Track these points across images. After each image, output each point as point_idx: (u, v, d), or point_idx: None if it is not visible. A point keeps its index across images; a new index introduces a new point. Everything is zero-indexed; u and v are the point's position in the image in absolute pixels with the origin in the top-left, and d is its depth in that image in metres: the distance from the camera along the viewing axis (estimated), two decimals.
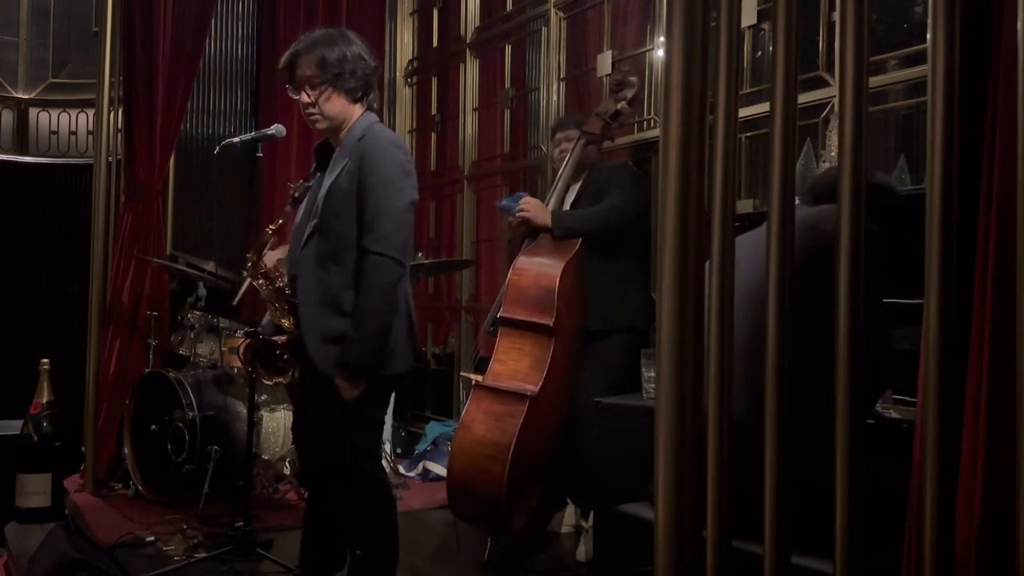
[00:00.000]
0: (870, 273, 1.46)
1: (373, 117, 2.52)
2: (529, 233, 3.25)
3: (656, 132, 3.69)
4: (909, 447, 1.50)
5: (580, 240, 3.13)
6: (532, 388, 2.94)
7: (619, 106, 3.29)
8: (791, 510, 1.44)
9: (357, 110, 2.50)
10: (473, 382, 3.07)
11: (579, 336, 3.15)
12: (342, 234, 2.36)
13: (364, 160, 2.36)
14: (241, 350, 2.55)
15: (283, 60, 2.50)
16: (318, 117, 2.46)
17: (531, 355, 3.00)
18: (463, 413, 3.04)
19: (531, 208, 3.18)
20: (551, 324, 2.98)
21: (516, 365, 3.01)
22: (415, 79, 5.65)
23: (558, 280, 3.00)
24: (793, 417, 1.45)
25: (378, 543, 2.49)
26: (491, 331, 3.25)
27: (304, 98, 2.44)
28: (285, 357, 2.50)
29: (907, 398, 2.04)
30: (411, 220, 2.44)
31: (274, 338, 2.49)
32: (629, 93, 3.32)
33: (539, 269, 3.07)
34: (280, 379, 2.51)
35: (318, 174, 2.55)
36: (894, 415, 2.06)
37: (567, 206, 3.32)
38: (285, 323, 2.46)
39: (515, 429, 2.87)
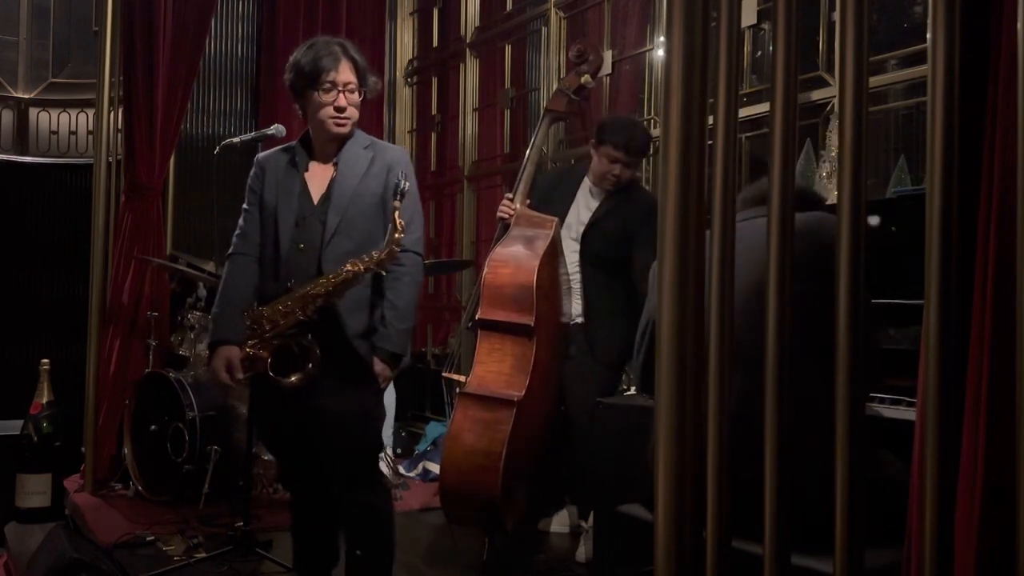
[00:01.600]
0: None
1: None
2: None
3: (656, 132, 3.69)
4: (909, 447, 1.50)
5: (554, 226, 3.09)
6: (517, 392, 2.89)
7: (583, 80, 3.26)
8: (791, 509, 1.44)
9: None
10: (457, 389, 3.03)
11: (558, 329, 3.11)
12: (370, 234, 2.46)
13: (395, 168, 2.49)
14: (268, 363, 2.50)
15: (331, 61, 2.45)
16: (348, 122, 2.49)
17: (513, 355, 2.95)
18: (450, 422, 2.98)
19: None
20: (532, 324, 2.93)
21: (498, 367, 2.96)
22: (415, 79, 5.66)
23: (535, 275, 2.95)
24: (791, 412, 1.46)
25: (382, 539, 2.53)
26: (469, 328, 3.21)
27: (342, 101, 2.46)
28: (298, 353, 2.46)
29: (907, 398, 2.04)
30: None
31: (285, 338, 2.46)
32: (591, 67, 3.29)
33: (515, 264, 3.01)
34: (300, 375, 2.45)
35: (293, 173, 2.53)
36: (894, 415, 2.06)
37: (583, 217, 3.23)
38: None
39: (505, 436, 2.83)
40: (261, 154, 2.64)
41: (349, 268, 2.39)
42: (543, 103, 4.44)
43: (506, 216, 3.22)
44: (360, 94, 2.50)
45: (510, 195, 3.31)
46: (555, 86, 4.35)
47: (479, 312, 3.04)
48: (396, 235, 2.36)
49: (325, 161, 2.54)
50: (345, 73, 2.46)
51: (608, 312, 3.16)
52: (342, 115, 2.47)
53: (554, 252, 3.07)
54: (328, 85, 2.45)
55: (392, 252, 2.39)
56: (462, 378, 3.03)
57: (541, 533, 3.38)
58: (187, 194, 5.13)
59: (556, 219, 3.13)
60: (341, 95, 2.46)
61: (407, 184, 2.39)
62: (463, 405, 2.94)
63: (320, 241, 2.45)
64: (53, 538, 3.10)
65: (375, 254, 2.39)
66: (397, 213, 2.36)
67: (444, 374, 3.34)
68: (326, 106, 2.46)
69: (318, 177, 2.53)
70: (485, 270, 3.07)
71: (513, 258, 3.04)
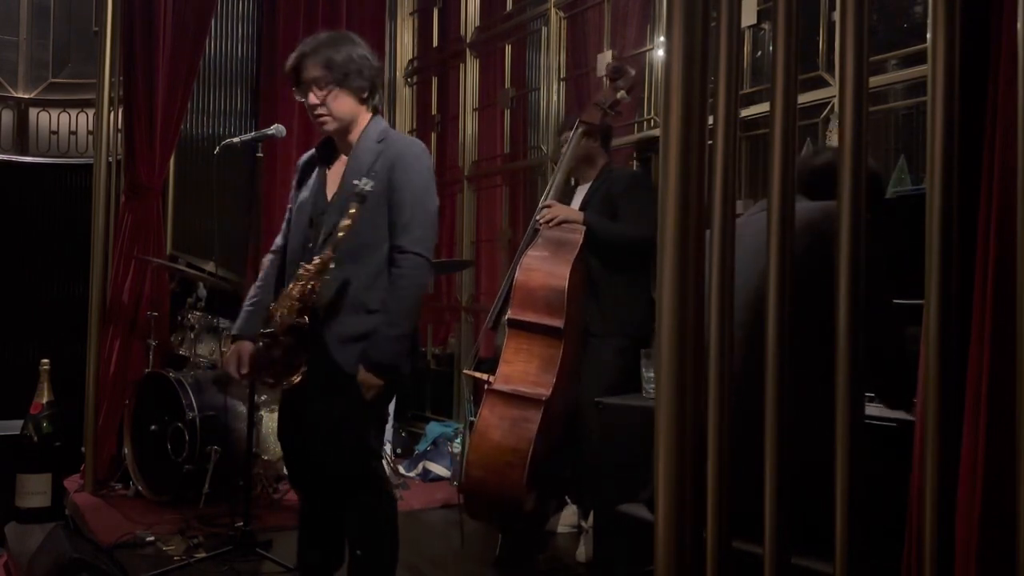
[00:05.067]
0: (869, 266, 1.44)
1: (383, 121, 2.55)
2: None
3: (656, 132, 3.69)
4: (909, 447, 1.49)
5: (583, 236, 3.12)
6: (544, 391, 2.93)
7: (618, 95, 3.28)
8: (791, 509, 1.44)
9: (364, 111, 2.51)
10: (486, 387, 3.05)
11: (581, 335, 3.15)
12: (369, 235, 2.39)
13: (399, 165, 2.41)
14: (247, 361, 2.51)
15: (289, 63, 2.48)
16: (327, 118, 2.46)
17: (540, 356, 2.99)
18: (477, 419, 3.00)
19: (557, 210, 3.20)
20: (562, 327, 2.97)
21: (525, 367, 2.99)
22: (415, 79, 5.66)
23: (568, 281, 2.99)
24: (793, 415, 1.45)
25: (381, 542, 2.51)
26: (492, 327, 3.23)
27: (312, 99, 2.44)
28: (287, 356, 2.46)
29: None
30: (437, 224, 2.53)
31: (272, 338, 2.46)
32: (628, 82, 3.31)
33: (548, 268, 3.05)
34: (293, 378, 2.45)
35: (319, 171, 2.54)
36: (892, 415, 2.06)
37: (575, 205, 3.31)
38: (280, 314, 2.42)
39: (532, 434, 2.87)
40: (305, 154, 2.64)
41: (301, 272, 2.34)
42: (543, 103, 4.45)
43: (551, 219, 3.20)
44: (328, 87, 2.43)
45: (547, 203, 3.30)
46: (555, 86, 4.38)
47: (510, 312, 3.06)
48: (339, 234, 2.29)
49: (342, 157, 2.53)
50: (310, 70, 2.43)
51: (610, 287, 3.20)
52: (314, 112, 2.46)
53: (583, 259, 3.11)
54: (301, 84, 2.46)
55: (326, 257, 2.30)
56: (483, 376, 3.05)
57: (546, 532, 3.39)
58: (187, 194, 5.13)
59: (584, 227, 3.16)
60: (310, 93, 2.44)
61: (367, 186, 2.30)
62: (490, 402, 2.98)
63: (323, 240, 2.42)
64: (53, 538, 3.10)
65: (316, 259, 2.32)
66: (354, 212, 2.28)
67: (465, 372, 3.35)
68: (306, 104, 2.47)
69: (336, 174, 2.52)
70: (517, 273, 3.09)
71: (545, 261, 3.08)
